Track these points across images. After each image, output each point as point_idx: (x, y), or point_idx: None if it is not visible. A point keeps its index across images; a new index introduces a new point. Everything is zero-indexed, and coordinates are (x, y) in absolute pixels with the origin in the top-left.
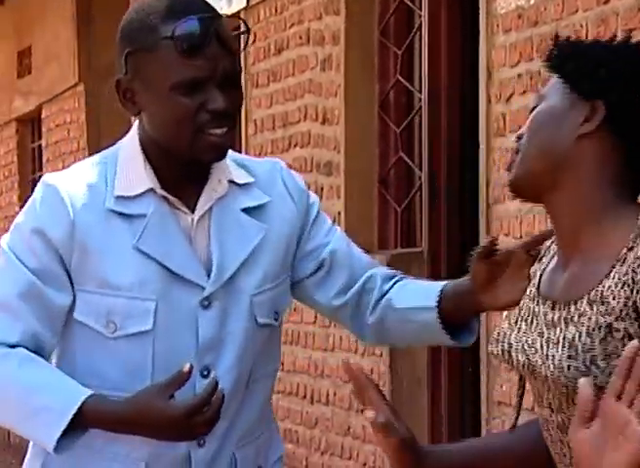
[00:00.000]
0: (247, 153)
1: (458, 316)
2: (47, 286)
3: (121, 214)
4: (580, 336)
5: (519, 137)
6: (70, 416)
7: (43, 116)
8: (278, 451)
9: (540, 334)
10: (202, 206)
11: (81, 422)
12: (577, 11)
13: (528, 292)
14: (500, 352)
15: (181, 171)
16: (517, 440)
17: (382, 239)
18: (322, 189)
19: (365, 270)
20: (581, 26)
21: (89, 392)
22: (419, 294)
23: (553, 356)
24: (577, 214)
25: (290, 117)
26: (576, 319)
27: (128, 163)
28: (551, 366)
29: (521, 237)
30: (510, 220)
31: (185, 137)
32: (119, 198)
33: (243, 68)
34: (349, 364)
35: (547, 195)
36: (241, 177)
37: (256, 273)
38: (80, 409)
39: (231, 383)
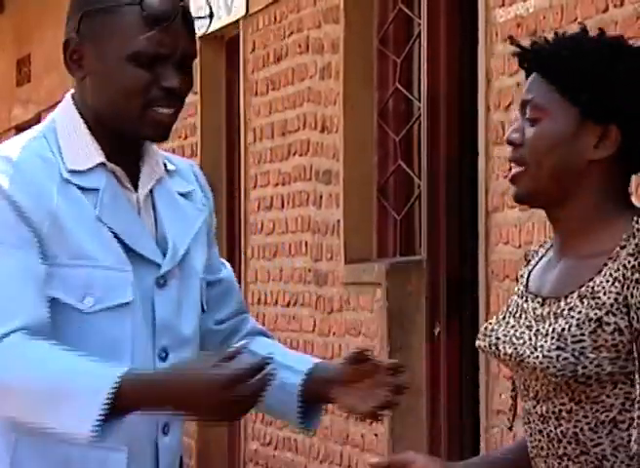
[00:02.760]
0: (246, 161)
1: (313, 397)
2: (32, 257)
3: (77, 186)
4: (569, 328)
5: (512, 143)
6: (106, 395)
7: None
8: None
9: (529, 328)
10: (144, 185)
11: (120, 403)
12: (575, 19)
13: (516, 290)
14: (487, 345)
15: (121, 145)
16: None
17: (381, 247)
18: (321, 197)
19: (243, 308)
20: None
21: (124, 368)
22: (292, 356)
23: (542, 346)
24: (580, 221)
25: (289, 125)
26: (565, 313)
27: (71, 136)
28: (540, 356)
29: (520, 246)
30: (509, 228)
31: (133, 110)
32: (71, 171)
33: (242, 77)
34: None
35: (554, 206)
36: (168, 164)
37: (199, 257)
38: (117, 387)
39: None
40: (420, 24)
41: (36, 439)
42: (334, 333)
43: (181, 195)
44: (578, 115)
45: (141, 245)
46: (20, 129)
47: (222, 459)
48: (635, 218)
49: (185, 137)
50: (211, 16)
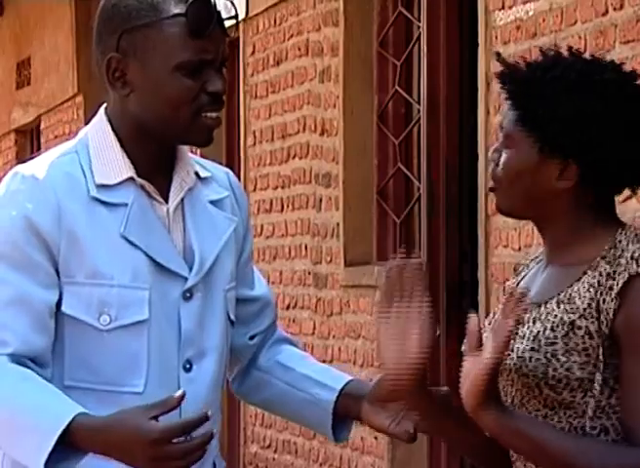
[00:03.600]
0: (246, 164)
1: (346, 412)
2: (33, 284)
3: (104, 203)
4: (544, 331)
5: (494, 160)
6: (56, 437)
7: (42, 127)
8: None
9: None
10: (175, 196)
11: (72, 442)
12: (575, 22)
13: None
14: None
15: (156, 158)
16: None
17: (381, 250)
18: (321, 200)
19: (275, 321)
20: (580, 38)
21: (77, 410)
22: (325, 372)
23: (517, 348)
24: (561, 235)
25: (289, 128)
26: (543, 317)
27: (102, 151)
28: (515, 357)
29: (519, 249)
30: (509, 231)
31: (184, 119)
32: (100, 186)
33: (242, 80)
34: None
35: (533, 221)
36: (201, 171)
37: (226, 267)
38: (69, 427)
39: (212, 381)
40: (419, 27)
41: None
42: (333, 336)
43: (213, 203)
44: (537, 146)
45: (168, 259)
46: (20, 132)
47: None
48: (619, 231)
49: None
50: (236, 16)
